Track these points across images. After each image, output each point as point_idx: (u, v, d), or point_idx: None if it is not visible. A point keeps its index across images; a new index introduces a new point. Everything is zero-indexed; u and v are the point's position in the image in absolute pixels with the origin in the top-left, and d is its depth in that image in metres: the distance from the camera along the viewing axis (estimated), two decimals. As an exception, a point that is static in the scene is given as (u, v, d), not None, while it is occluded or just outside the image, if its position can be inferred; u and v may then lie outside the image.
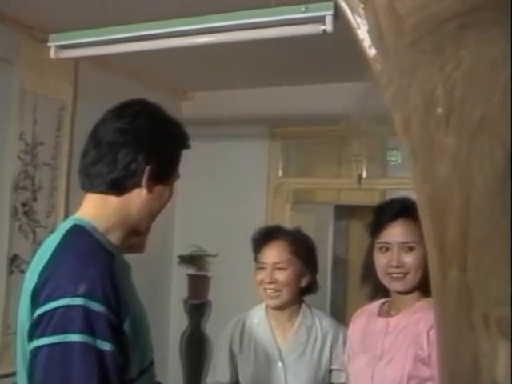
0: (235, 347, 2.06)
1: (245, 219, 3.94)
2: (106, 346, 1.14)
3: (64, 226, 1.31)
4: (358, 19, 0.51)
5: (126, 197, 1.32)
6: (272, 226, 2.23)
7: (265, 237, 2.08)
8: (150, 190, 1.32)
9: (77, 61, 3.21)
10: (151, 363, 1.34)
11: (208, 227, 4.07)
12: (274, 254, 2.03)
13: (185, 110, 4.23)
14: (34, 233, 3.07)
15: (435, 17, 0.45)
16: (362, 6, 0.50)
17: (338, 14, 2.11)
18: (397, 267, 1.66)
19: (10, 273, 2.93)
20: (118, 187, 1.31)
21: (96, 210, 1.32)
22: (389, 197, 1.90)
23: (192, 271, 3.97)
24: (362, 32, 0.50)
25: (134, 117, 1.36)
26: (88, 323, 1.13)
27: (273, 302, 2.03)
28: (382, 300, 1.80)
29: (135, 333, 1.23)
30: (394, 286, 1.69)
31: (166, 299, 4.18)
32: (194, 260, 3.95)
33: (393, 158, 3.83)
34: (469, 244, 0.44)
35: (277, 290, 2.01)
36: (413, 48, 0.46)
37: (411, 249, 1.66)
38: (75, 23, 2.69)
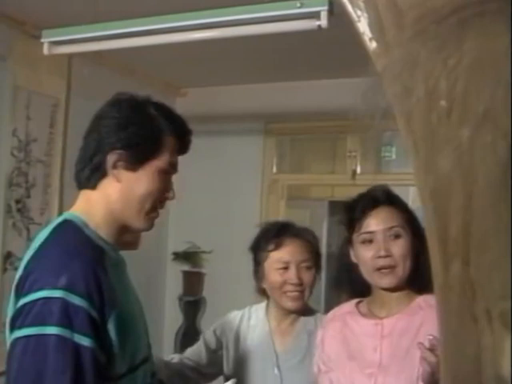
0: (226, 343, 1.93)
1: (239, 216, 3.95)
2: (84, 340, 1.12)
3: (55, 221, 1.31)
4: (359, 12, 0.50)
5: (102, 190, 1.30)
6: (283, 221, 2.03)
7: (283, 233, 1.87)
8: (117, 178, 1.28)
9: (70, 57, 3.20)
10: (145, 360, 1.32)
11: (202, 224, 4.06)
12: (297, 250, 1.83)
13: (179, 106, 4.21)
14: (28, 230, 3.05)
15: (437, 10, 0.45)
16: (362, -2, 0.50)
17: (332, 10, 2.10)
18: (385, 257, 1.52)
19: (4, 270, 2.92)
20: (89, 181, 1.31)
21: (85, 205, 1.31)
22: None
23: (187, 268, 3.97)
24: (363, 25, 0.50)
25: (102, 107, 1.35)
26: (66, 316, 1.12)
27: (295, 305, 1.83)
28: (356, 300, 1.67)
29: (123, 329, 1.21)
30: (383, 282, 1.54)
31: (161, 296, 4.17)
32: (188, 257, 3.94)
33: (387, 154, 3.83)
34: (472, 238, 0.44)
35: (301, 292, 1.83)
36: (415, 41, 0.46)
37: (397, 236, 1.53)
38: (68, 19, 2.68)
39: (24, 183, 3.08)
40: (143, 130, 1.29)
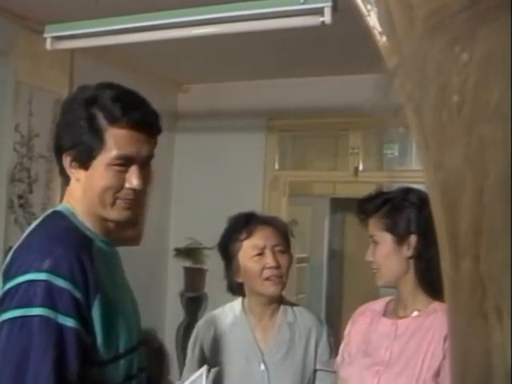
0: (208, 353, 1.86)
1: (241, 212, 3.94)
2: (68, 321, 1.15)
3: (45, 213, 1.36)
4: (368, 6, 0.50)
5: (72, 188, 1.33)
6: (249, 212, 1.94)
7: (253, 221, 1.85)
8: (77, 178, 1.30)
9: (72, 52, 3.19)
10: (131, 350, 1.32)
11: (204, 220, 4.06)
12: (270, 235, 1.82)
13: (181, 102, 4.21)
14: (30, 225, 3.05)
15: (449, 5, 0.45)
16: (372, -7, 0.50)
17: (336, 6, 2.10)
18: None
19: (6, 265, 2.92)
20: (63, 180, 1.35)
21: (70, 199, 1.35)
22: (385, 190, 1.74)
23: (188, 264, 3.97)
24: (373, 19, 0.49)
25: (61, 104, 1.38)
26: (50, 298, 1.15)
27: (277, 290, 1.81)
28: (388, 298, 1.70)
29: (107, 316, 1.23)
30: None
31: (162, 292, 4.17)
32: (190, 253, 3.94)
33: (389, 151, 3.83)
34: (482, 234, 0.43)
35: (280, 276, 1.80)
36: (426, 37, 0.45)
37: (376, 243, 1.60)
38: (71, 14, 2.67)
39: (26, 178, 3.08)
40: (83, 129, 1.27)
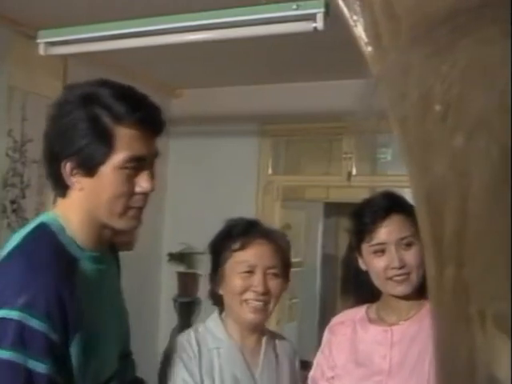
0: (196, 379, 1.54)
1: (234, 217, 3.94)
2: (39, 367, 1.05)
3: (32, 223, 1.24)
4: (355, 17, 0.51)
5: (72, 198, 1.21)
6: (252, 219, 1.71)
7: (251, 231, 1.60)
8: (79, 187, 1.18)
9: (66, 57, 3.20)
10: (111, 378, 1.26)
11: (198, 225, 4.06)
12: (266, 254, 1.57)
13: (174, 107, 4.22)
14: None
15: (432, 16, 0.46)
16: (358, 3, 0.51)
17: (329, 12, 2.11)
18: (400, 268, 1.47)
19: (-1, 271, 2.91)
20: (57, 192, 1.23)
21: (64, 209, 1.23)
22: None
23: (182, 269, 3.97)
24: (359, 30, 0.50)
25: (51, 106, 1.24)
26: (21, 340, 1.05)
27: (256, 318, 1.55)
28: (364, 306, 1.63)
29: (87, 351, 1.14)
30: (398, 290, 1.49)
31: (156, 297, 4.17)
32: (183, 258, 3.95)
33: (383, 156, 3.85)
34: (466, 240, 0.44)
35: (265, 303, 1.55)
36: (410, 46, 0.46)
37: (409, 244, 1.48)
38: (64, 20, 2.68)
39: (19, 184, 3.08)
40: (85, 132, 1.15)
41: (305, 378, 1.68)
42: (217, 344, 1.57)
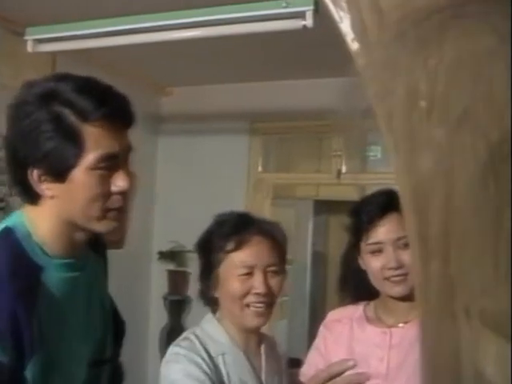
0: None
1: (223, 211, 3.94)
2: None
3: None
4: (341, 13, 0.51)
5: (42, 206, 1.11)
6: (244, 213, 1.59)
7: (246, 228, 1.47)
8: (50, 194, 1.08)
9: (54, 55, 3.18)
10: None
11: (188, 223, 4.05)
12: (265, 251, 1.45)
13: (164, 105, 4.21)
14: None
15: (418, 11, 0.46)
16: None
17: (318, 10, 2.11)
18: (396, 268, 1.43)
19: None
20: (24, 199, 1.13)
21: (33, 214, 1.13)
22: (369, 192, 1.69)
23: (172, 267, 3.96)
24: (345, 26, 0.50)
25: (10, 106, 1.13)
26: None
27: (259, 322, 1.46)
28: (363, 304, 1.59)
29: (50, 368, 1.08)
30: (395, 291, 1.46)
31: (146, 295, 4.16)
32: (173, 256, 3.94)
33: (372, 153, 3.85)
34: (452, 236, 0.44)
35: (269, 305, 1.45)
36: (396, 42, 0.46)
37: (407, 245, 1.39)
38: (53, 17, 2.66)
39: (7, 181, 3.06)
40: (52, 136, 1.05)
41: (295, 375, 1.64)
42: (220, 349, 1.45)
